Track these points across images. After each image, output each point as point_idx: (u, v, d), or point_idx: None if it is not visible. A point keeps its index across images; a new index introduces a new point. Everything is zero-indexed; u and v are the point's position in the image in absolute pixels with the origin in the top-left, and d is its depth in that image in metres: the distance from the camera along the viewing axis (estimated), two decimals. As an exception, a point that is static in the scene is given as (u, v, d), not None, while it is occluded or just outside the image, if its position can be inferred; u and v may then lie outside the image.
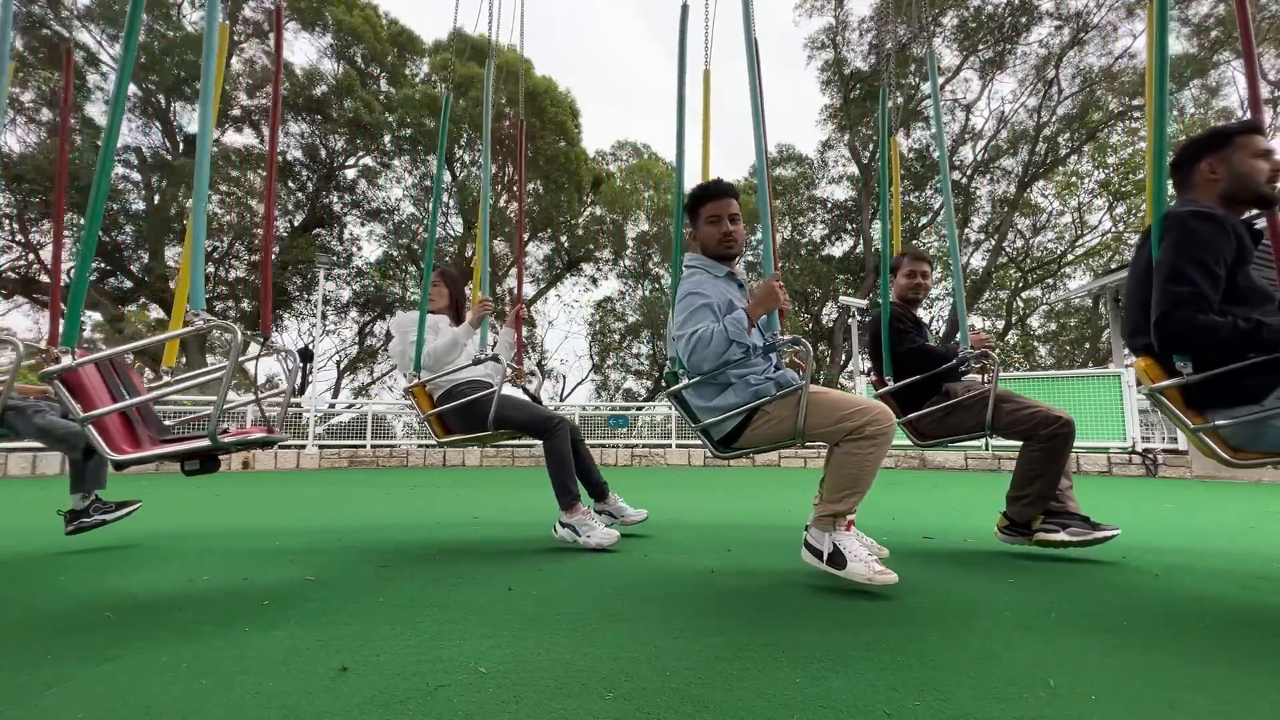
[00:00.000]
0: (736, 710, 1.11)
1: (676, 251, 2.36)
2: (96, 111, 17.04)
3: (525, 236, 22.61)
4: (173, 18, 17.20)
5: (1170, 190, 1.89)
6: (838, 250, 27.05)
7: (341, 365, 24.04)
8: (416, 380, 3.06)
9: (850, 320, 14.31)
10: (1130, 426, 8.71)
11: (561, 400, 25.95)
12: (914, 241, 23.02)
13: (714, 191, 2.31)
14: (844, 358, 21.77)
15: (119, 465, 1.94)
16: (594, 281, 27.42)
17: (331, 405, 16.05)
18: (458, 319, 3.35)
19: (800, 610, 1.77)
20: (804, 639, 1.50)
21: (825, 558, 1.98)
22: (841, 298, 16.88)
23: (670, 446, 11.79)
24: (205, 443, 1.88)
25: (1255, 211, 1.76)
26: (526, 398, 3.26)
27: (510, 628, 1.59)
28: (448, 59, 19.30)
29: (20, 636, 1.56)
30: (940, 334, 3.28)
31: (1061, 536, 2.43)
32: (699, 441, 12.44)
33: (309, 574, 2.25)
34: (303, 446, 10.78)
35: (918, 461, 9.83)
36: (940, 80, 20.48)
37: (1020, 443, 2.56)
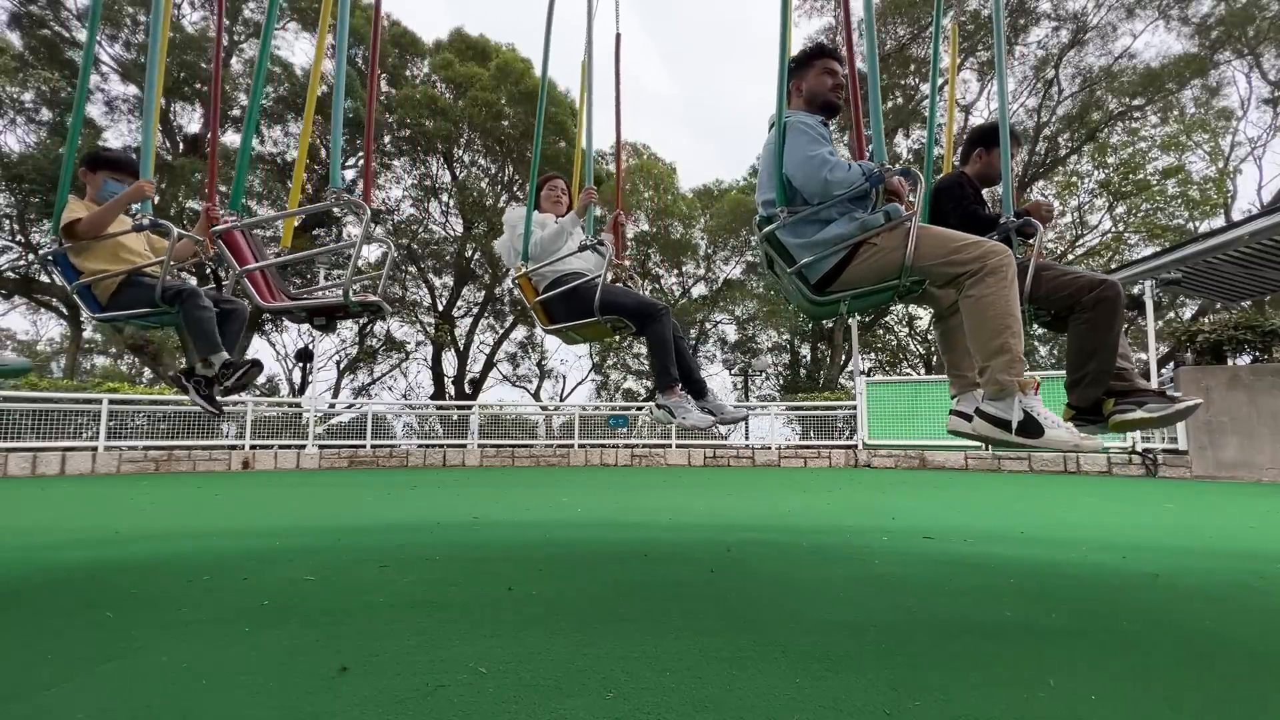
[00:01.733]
0: (736, 710, 1.11)
1: (780, 97, 2.24)
2: (97, 112, 17.05)
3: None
4: (173, 18, 17.20)
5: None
6: (837, 250, 26.97)
7: (341, 365, 24.03)
8: (523, 270, 3.16)
9: (850, 320, 14.32)
10: (1130, 426, 8.70)
11: (561, 400, 25.94)
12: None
13: (832, 50, 2.38)
14: (844, 358, 21.75)
15: (268, 313, 2.55)
16: (594, 281, 27.27)
17: (331, 405, 16.05)
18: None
19: (800, 610, 1.77)
20: (804, 639, 1.50)
21: (1015, 427, 1.81)
22: (841, 298, 16.79)
23: (670, 446, 11.78)
24: (337, 300, 2.38)
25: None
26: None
27: (510, 628, 1.59)
28: (449, 59, 19.28)
29: (20, 636, 1.56)
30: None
31: (1139, 415, 2.16)
32: (699, 441, 12.26)
33: (309, 574, 2.25)
34: (303, 446, 10.78)
35: (918, 461, 9.83)
36: (940, 81, 20.48)
37: (1065, 327, 2.33)
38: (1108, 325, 2.21)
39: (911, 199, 2.08)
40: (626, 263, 3.38)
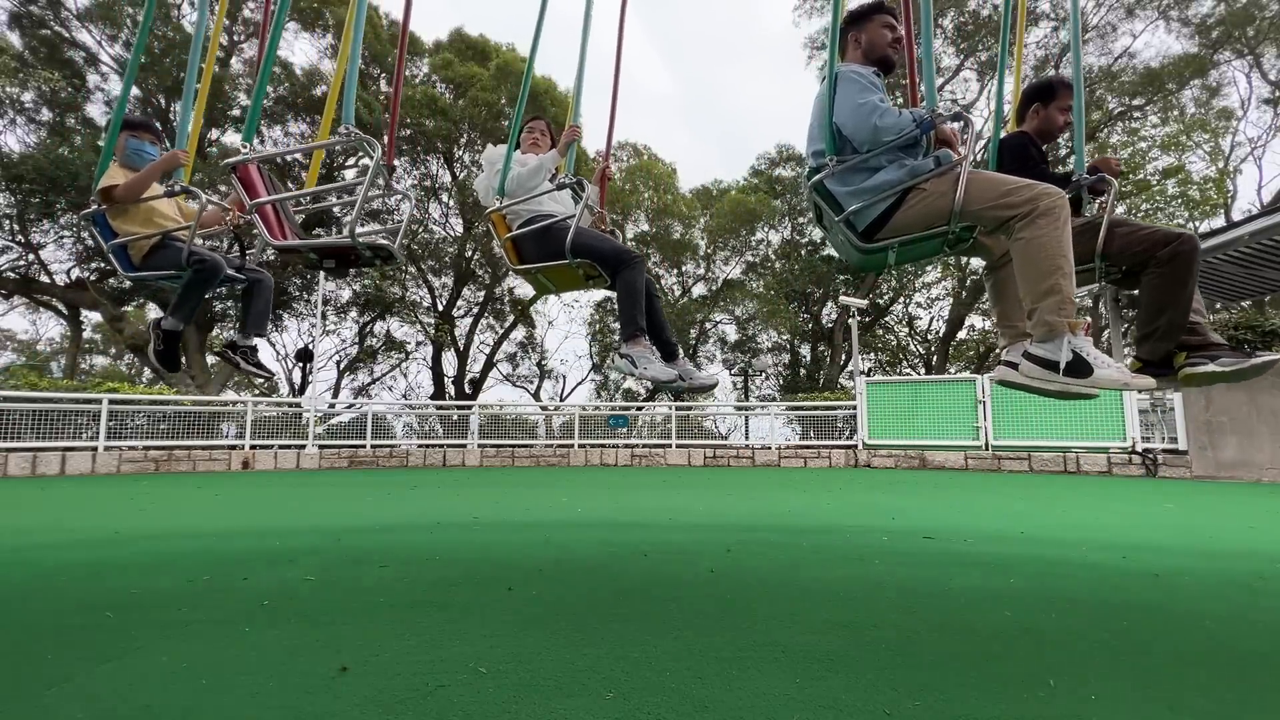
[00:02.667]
0: (736, 710, 1.11)
1: (832, 49, 2.22)
2: (97, 112, 17.05)
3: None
4: (172, 19, 17.20)
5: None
6: (838, 250, 26.98)
7: (341, 365, 24.05)
8: (496, 206, 3.07)
9: (850, 320, 14.30)
10: (1130, 427, 8.71)
11: (561, 400, 25.94)
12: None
13: (890, 9, 2.35)
14: (844, 358, 21.75)
15: (277, 250, 2.57)
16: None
17: (331, 405, 16.04)
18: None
19: (800, 610, 1.77)
20: (804, 639, 1.50)
21: (1063, 367, 1.79)
22: (841, 298, 16.81)
23: (670, 446, 11.78)
24: (346, 240, 2.38)
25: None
26: None
27: (510, 628, 1.59)
28: (448, 59, 19.28)
29: (20, 636, 1.56)
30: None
31: (1211, 368, 2.12)
32: (699, 441, 12.26)
33: (309, 574, 2.25)
34: (303, 446, 10.77)
35: (918, 461, 9.83)
36: (940, 81, 20.47)
37: (1137, 280, 2.31)
38: (1183, 280, 2.18)
39: (963, 147, 2.05)
40: (608, 218, 3.29)
